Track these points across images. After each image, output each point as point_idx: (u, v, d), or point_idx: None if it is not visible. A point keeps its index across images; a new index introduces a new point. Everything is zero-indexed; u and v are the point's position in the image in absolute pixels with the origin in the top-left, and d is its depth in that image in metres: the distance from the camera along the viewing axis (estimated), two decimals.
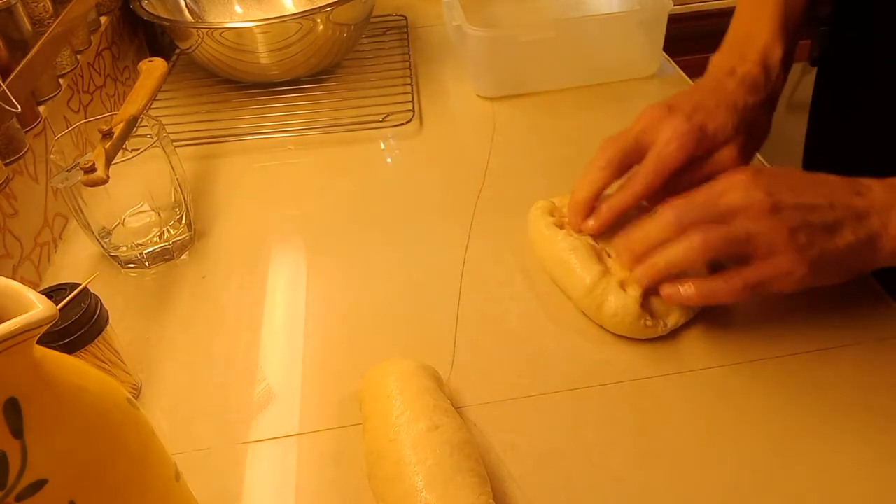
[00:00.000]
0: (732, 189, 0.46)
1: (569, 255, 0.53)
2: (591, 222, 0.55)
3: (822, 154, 0.75)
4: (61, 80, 0.71)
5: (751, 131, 0.55)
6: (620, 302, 0.50)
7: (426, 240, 0.63)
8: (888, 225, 0.45)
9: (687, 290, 0.48)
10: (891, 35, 0.61)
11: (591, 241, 0.55)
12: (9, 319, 0.25)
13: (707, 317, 0.53)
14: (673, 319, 0.51)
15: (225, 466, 0.46)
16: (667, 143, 0.52)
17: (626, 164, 0.55)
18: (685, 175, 0.54)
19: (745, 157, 0.55)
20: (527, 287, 0.57)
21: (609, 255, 0.54)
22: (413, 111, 0.80)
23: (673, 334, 0.51)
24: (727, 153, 0.54)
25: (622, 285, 0.51)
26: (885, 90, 0.63)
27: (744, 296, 0.46)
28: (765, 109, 0.57)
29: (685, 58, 0.89)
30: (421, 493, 0.38)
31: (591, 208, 0.55)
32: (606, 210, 0.54)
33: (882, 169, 0.47)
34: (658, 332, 0.51)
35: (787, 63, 0.59)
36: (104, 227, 0.61)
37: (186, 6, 0.93)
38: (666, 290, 0.49)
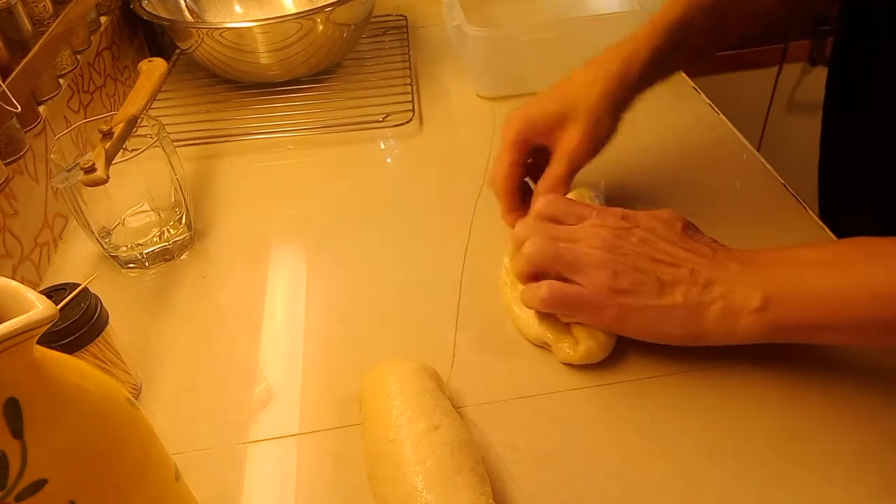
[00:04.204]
0: (592, 218, 0.49)
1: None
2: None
3: (836, 155, 0.75)
4: (61, 80, 0.71)
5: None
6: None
7: (426, 240, 0.63)
8: (726, 297, 0.44)
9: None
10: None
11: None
12: (9, 319, 0.25)
13: None
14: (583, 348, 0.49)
15: (225, 466, 0.46)
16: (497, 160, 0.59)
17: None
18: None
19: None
20: None
21: None
22: (413, 111, 0.80)
23: None
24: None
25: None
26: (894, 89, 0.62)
27: (554, 309, 0.49)
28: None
29: None
30: (421, 493, 0.38)
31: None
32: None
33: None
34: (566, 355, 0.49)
35: (652, 72, 0.59)
36: (104, 227, 0.61)
37: (186, 6, 0.93)
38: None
